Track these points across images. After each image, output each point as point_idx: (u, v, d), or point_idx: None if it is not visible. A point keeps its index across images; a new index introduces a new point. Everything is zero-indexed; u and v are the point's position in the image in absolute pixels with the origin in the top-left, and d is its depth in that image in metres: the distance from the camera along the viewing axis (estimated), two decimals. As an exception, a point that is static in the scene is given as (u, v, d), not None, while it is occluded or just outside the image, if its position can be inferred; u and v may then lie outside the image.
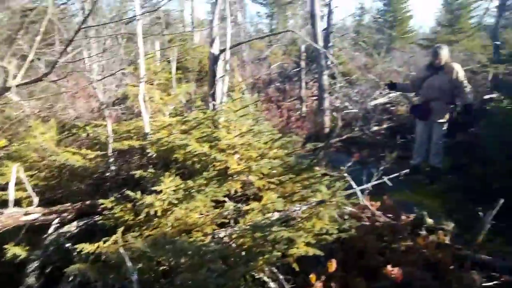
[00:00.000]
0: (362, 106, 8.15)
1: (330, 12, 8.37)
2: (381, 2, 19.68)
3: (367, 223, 2.81)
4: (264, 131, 2.36)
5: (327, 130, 7.69)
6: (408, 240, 2.69)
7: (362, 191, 3.07)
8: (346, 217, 2.99)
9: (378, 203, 3.32)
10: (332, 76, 9.36)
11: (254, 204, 2.10)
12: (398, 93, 9.45)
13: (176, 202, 1.96)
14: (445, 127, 5.20)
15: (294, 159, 2.42)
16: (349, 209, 3.05)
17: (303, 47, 8.83)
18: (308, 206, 2.11)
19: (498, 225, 3.87)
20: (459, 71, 4.93)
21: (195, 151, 2.15)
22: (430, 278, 2.16)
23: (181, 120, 2.38)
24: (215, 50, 2.99)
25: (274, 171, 2.46)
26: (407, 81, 5.70)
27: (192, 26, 14.83)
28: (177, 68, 9.92)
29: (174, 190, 1.96)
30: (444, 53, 4.97)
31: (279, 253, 1.89)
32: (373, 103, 8.87)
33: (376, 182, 2.49)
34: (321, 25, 7.48)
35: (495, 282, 2.28)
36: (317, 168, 2.51)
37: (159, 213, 1.98)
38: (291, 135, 2.40)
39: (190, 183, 2.07)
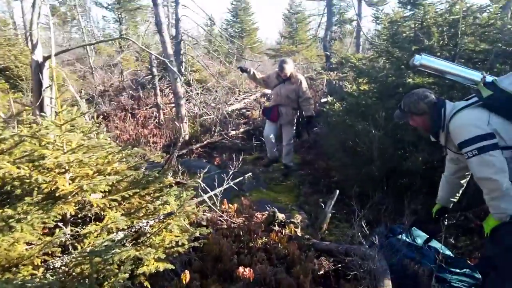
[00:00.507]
0: (219, 112, 8.35)
1: (177, 21, 8.33)
2: (230, 14, 20.77)
3: (224, 227, 2.82)
4: (99, 145, 2.11)
5: (187, 137, 7.62)
6: (264, 238, 2.79)
7: (216, 195, 3.07)
8: (204, 223, 2.96)
9: (235, 205, 3.38)
10: (188, 83, 9.36)
11: (92, 227, 1.86)
12: (252, 98, 10.08)
13: (-12, 237, 1.59)
14: (293, 129, 5.76)
15: (139, 172, 2.24)
16: (206, 215, 3.02)
17: (153, 55, 8.56)
18: (156, 220, 1.97)
19: (343, 211, 4.43)
20: (303, 84, 5.49)
21: (14, 174, 1.79)
22: (283, 271, 2.26)
23: (-7, 137, 1.96)
24: (39, 57, 2.59)
25: (119, 187, 2.24)
26: (261, 75, 5.99)
27: (25, 30, 12.93)
28: (7, 77, 8.51)
29: (-17, 224, 1.58)
30: (289, 67, 5.46)
31: (126, 275, 1.71)
32: (229, 108, 9.20)
33: (225, 187, 2.50)
34: (168, 33, 7.39)
35: (340, 265, 2.52)
36: (167, 179, 2.38)
37: (-34, 254, 1.58)
38: (130, 148, 2.21)
39: (8, 211, 1.71)
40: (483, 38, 4.50)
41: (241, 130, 8.20)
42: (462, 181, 2.86)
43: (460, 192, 2.90)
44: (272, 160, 6.18)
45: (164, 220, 2.02)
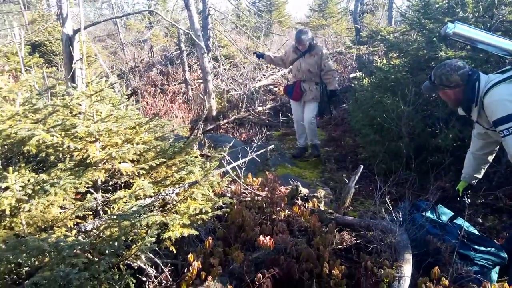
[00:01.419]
0: (247, 88, 8.35)
1: (203, -6, 8.28)
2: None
3: (248, 199, 2.88)
4: (128, 116, 2.19)
5: (214, 112, 7.71)
6: (286, 210, 2.83)
7: (240, 167, 3.13)
8: (228, 195, 3.04)
9: (260, 179, 3.43)
10: (215, 59, 9.37)
11: (121, 193, 1.96)
12: (280, 74, 9.98)
13: (26, 198, 1.71)
14: (316, 106, 5.35)
15: (165, 143, 2.32)
16: (231, 187, 3.09)
17: (181, 30, 8.60)
18: (181, 189, 2.05)
19: (369, 188, 4.40)
20: (324, 54, 5.08)
21: (48, 142, 1.89)
22: (303, 242, 2.30)
23: (29, 108, 2.07)
24: (69, 30, 2.67)
25: (147, 157, 2.33)
26: (278, 56, 5.64)
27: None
28: (42, 52, 8.81)
29: (22, 186, 1.70)
30: (307, 37, 5.02)
31: (153, 239, 1.80)
32: (257, 84, 9.18)
33: (248, 158, 2.54)
34: (196, 8, 7.37)
35: (362, 239, 2.53)
36: (192, 150, 2.45)
37: (7, 212, 1.71)
38: (159, 119, 2.28)
39: (43, 176, 1.82)
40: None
41: (268, 106, 8.19)
42: (489, 157, 2.76)
43: (486, 168, 2.81)
44: (303, 149, 5.69)
45: (189, 189, 2.09)
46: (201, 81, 8.61)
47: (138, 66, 10.28)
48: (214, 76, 8.99)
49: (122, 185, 2.27)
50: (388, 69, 4.76)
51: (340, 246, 2.48)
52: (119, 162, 2.03)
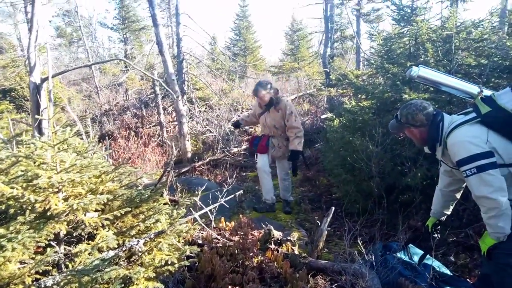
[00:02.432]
0: (222, 129, 8.42)
1: (179, 40, 8.50)
2: (233, 32, 21.15)
3: (219, 245, 2.82)
4: (92, 165, 2.15)
5: (189, 154, 7.68)
6: (259, 256, 2.78)
7: (211, 212, 3.08)
8: (200, 241, 2.97)
9: (232, 223, 3.38)
10: (191, 101, 9.48)
11: (83, 245, 1.88)
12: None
13: (-20, 256, 1.61)
14: (288, 163, 4.95)
15: (132, 191, 2.27)
16: (202, 233, 3.02)
17: (155, 74, 8.73)
18: (147, 239, 1.99)
19: (344, 229, 4.39)
20: (288, 109, 4.65)
21: (8, 194, 1.82)
22: (276, 289, 2.25)
23: (-11, 158, 2.01)
24: (36, 78, 2.66)
25: (113, 206, 2.27)
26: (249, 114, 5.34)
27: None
28: (13, 97, 8.69)
29: (-24, 243, 1.61)
30: (265, 91, 4.60)
31: (115, 295, 1.71)
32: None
33: (216, 205, 2.50)
34: (172, 52, 7.55)
35: (336, 284, 2.49)
36: (162, 197, 2.40)
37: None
38: (124, 166, 2.24)
39: (0, 230, 1.74)
40: (478, 53, 4.54)
41: (243, 147, 8.24)
42: (456, 194, 2.84)
43: (454, 204, 2.88)
44: (270, 205, 5.01)
45: (155, 239, 2.03)
46: (176, 123, 8.64)
47: (112, 109, 10.25)
48: (190, 118, 9.05)
49: (86, 236, 2.18)
50: (356, 111, 4.93)
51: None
52: (84, 213, 1.97)
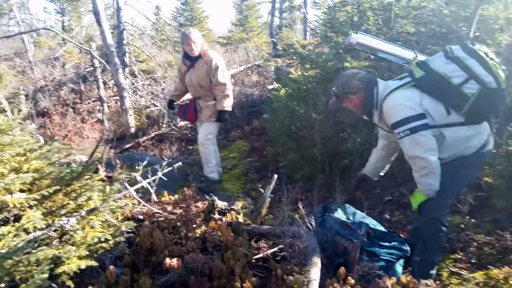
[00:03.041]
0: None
1: (118, 10, 7.99)
2: (179, 1, 20.28)
3: (161, 219, 2.77)
4: (15, 143, 1.99)
5: (133, 130, 7.41)
6: (202, 227, 2.78)
7: (151, 187, 3.01)
8: (141, 217, 2.90)
9: (176, 196, 3.34)
10: (133, 74, 9.07)
11: (6, 228, 1.76)
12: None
13: None
14: (212, 125, 4.44)
15: (62, 168, 2.14)
16: (143, 208, 2.96)
17: (94, 45, 8.21)
18: (78, 217, 1.90)
19: (289, 195, 4.50)
20: (214, 62, 4.07)
21: None
22: (218, 257, 2.26)
23: None
24: None
25: (41, 185, 2.13)
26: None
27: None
28: None
29: None
30: (195, 37, 3.99)
31: (45, 275, 1.63)
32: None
33: (153, 178, 2.44)
34: (110, 23, 7.09)
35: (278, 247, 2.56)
36: (97, 174, 2.30)
37: None
38: (52, 143, 2.10)
39: None
40: (417, 21, 4.70)
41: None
42: (391, 157, 2.99)
43: (387, 168, 3.03)
44: (214, 182, 4.55)
45: (87, 217, 1.95)
46: (118, 97, 8.25)
47: (48, 85, 9.56)
48: (133, 92, 8.68)
49: (13, 219, 2.04)
50: (300, 80, 4.97)
51: (256, 257, 2.49)
52: (10, 194, 1.83)
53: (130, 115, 7.43)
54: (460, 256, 2.89)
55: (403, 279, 1.99)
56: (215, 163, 4.52)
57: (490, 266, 2.63)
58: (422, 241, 2.65)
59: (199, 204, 3.27)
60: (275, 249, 2.43)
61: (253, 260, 2.46)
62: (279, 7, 14.19)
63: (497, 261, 2.68)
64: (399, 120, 2.31)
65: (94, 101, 8.79)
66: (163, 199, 3.27)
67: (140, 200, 2.66)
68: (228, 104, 4.27)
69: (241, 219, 3.19)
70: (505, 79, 2.33)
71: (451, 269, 2.77)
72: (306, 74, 5.37)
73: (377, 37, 4.72)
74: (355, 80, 2.56)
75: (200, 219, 2.84)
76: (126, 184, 2.65)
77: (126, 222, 2.00)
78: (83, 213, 1.91)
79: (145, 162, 3.61)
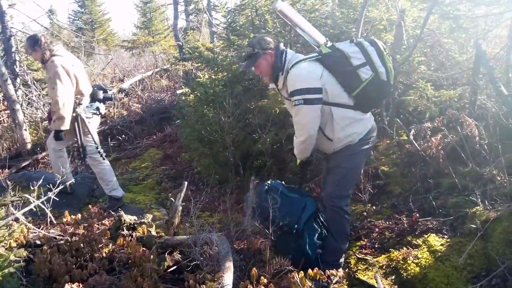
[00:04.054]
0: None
1: (2, 14, 7.14)
2: (77, 4, 18.84)
3: (61, 242, 2.54)
4: None
5: (29, 146, 6.67)
6: (110, 245, 2.61)
7: (45, 208, 2.74)
8: (38, 242, 2.62)
9: (79, 215, 3.08)
10: (26, 85, 8.18)
11: None
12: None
13: None
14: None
15: None
16: (40, 232, 2.67)
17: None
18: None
19: (206, 201, 4.43)
20: (48, 73, 3.59)
21: None
22: (128, 276, 2.13)
23: None
24: None
25: None
26: None
27: None
28: None
29: None
30: (31, 50, 3.64)
31: None
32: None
33: (42, 200, 2.20)
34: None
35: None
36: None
37: None
38: None
39: None
40: (312, 23, 4.98)
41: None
42: None
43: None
44: (118, 199, 4.09)
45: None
46: (8, 111, 7.37)
47: None
48: (27, 104, 7.83)
49: None
50: (208, 84, 4.95)
51: (169, 270, 2.41)
52: None
53: (25, 129, 6.67)
54: (364, 243, 3.10)
55: (311, 272, 2.09)
56: (115, 180, 4.13)
57: (391, 249, 2.87)
58: (329, 231, 2.82)
59: (106, 222, 3.08)
60: (186, 261, 2.39)
61: (168, 274, 2.39)
62: (184, 9, 14.00)
63: (397, 243, 2.93)
64: (298, 89, 2.48)
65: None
66: (64, 219, 3.01)
67: (31, 225, 2.39)
68: (57, 123, 3.65)
69: (153, 232, 3.07)
70: (394, 75, 2.60)
71: (357, 255, 2.97)
72: (213, 77, 5.37)
73: (278, 40, 4.94)
74: (268, 37, 2.70)
75: (106, 238, 2.66)
76: (12, 209, 2.37)
77: (16, 250, 1.78)
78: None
79: (40, 181, 3.27)
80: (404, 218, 3.17)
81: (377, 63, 2.50)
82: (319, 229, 2.85)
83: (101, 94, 4.02)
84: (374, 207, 3.51)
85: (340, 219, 2.76)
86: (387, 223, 3.23)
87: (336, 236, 2.79)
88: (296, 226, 2.68)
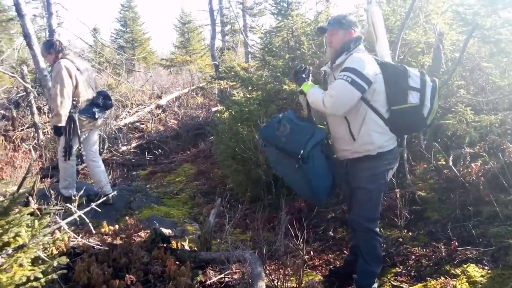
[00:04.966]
0: (108, 127, 7.88)
1: (52, 32, 7.66)
2: (119, 23, 19.88)
3: (100, 252, 2.64)
4: None
5: (70, 157, 7.00)
6: (145, 257, 2.68)
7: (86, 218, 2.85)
8: (77, 250, 2.73)
9: (116, 226, 3.20)
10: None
11: None
12: (146, 110, 9.71)
13: None
14: (62, 140, 4.17)
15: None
16: (80, 241, 2.79)
17: (25, 69, 7.76)
18: (4, 256, 1.75)
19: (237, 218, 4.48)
20: (56, 72, 3.89)
21: None
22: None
23: None
24: None
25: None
26: None
27: None
28: None
29: None
30: (46, 53, 4.09)
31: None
32: (121, 122, 8.75)
33: (85, 210, 2.29)
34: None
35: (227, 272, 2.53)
36: (26, 207, 2.14)
37: None
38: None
39: None
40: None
41: (134, 144, 7.85)
42: None
43: None
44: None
45: (15, 254, 1.80)
46: (54, 123, 7.79)
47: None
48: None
49: None
50: (242, 102, 5.06)
51: (204, 284, 2.45)
52: None
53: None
54: (400, 270, 3.01)
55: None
56: (63, 186, 4.37)
57: (428, 278, 2.78)
58: (361, 255, 2.77)
59: (142, 234, 3.17)
60: (221, 276, 2.42)
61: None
62: (221, 30, 14.43)
63: (434, 272, 2.83)
64: (352, 68, 2.45)
65: (28, 127, 8.22)
66: (102, 230, 3.13)
67: (73, 234, 2.51)
68: (56, 119, 3.94)
69: (187, 246, 3.14)
70: (433, 117, 2.59)
71: (392, 283, 2.88)
72: (248, 96, 5.48)
73: (313, 61, 4.99)
74: (351, 16, 2.78)
75: (142, 249, 2.74)
76: (57, 217, 2.50)
77: (58, 258, 1.88)
78: (10, 251, 1.77)
79: (81, 192, 3.43)
80: (442, 246, 3.08)
81: (427, 96, 2.50)
82: (325, 160, 2.71)
83: (101, 101, 4.26)
84: (410, 233, 3.41)
85: (371, 241, 2.70)
86: (424, 250, 3.14)
87: (368, 259, 2.72)
88: (302, 151, 2.58)
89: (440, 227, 3.34)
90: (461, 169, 3.58)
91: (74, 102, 4.02)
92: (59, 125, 3.96)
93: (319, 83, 3.12)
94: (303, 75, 2.77)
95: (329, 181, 2.72)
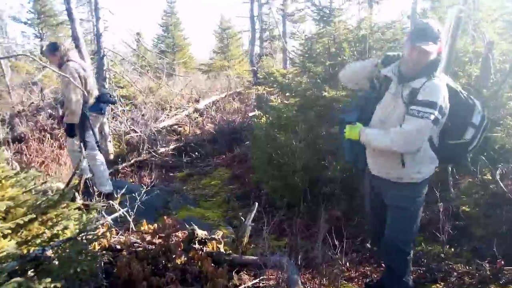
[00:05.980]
0: (148, 129, 8.11)
1: (99, 36, 8.01)
2: (161, 29, 20.54)
3: (140, 249, 2.70)
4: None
5: (111, 156, 7.27)
6: (182, 257, 2.72)
7: (129, 215, 2.94)
8: (118, 247, 2.82)
9: (155, 225, 3.27)
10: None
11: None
12: (184, 114, 9.93)
13: None
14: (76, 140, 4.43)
15: (37, 196, 2.08)
16: (120, 238, 2.88)
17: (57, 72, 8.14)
18: (54, 247, 1.84)
19: (272, 223, 4.46)
20: (66, 81, 4.07)
21: None
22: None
23: None
24: None
25: (16, 213, 2.06)
26: None
27: None
28: None
29: None
30: (49, 54, 4.31)
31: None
32: (160, 125, 8.99)
33: (134, 205, 2.37)
34: (90, 48, 7.08)
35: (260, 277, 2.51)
36: (74, 202, 2.24)
37: None
38: (29, 170, 2.05)
39: None
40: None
41: (172, 146, 8.02)
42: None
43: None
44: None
45: (64, 246, 1.88)
46: (98, 124, 8.12)
47: (25, 110, 9.36)
48: (112, 118, 8.59)
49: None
50: (281, 108, 5.06)
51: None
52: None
53: (110, 141, 7.31)
54: (441, 286, 2.90)
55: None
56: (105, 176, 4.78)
57: (470, 297, 2.64)
58: (391, 271, 2.63)
59: (179, 234, 3.21)
60: (256, 280, 2.41)
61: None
62: (260, 36, 14.55)
63: (477, 291, 2.68)
64: (435, 102, 2.17)
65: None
66: (142, 228, 3.20)
67: (118, 230, 2.59)
68: (71, 117, 4.24)
69: (222, 248, 3.15)
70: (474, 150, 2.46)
71: (433, 300, 2.77)
72: (286, 102, 5.46)
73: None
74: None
75: (180, 249, 2.78)
76: (104, 213, 2.59)
77: (104, 252, 1.95)
78: (60, 242, 1.85)
79: (123, 190, 3.55)
80: (487, 264, 2.93)
81: (478, 137, 2.36)
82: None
83: (106, 97, 4.64)
84: (452, 249, 3.26)
85: (403, 263, 2.56)
86: (467, 267, 3.00)
87: (402, 274, 2.58)
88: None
89: (485, 244, 3.19)
90: (509, 184, 3.40)
91: (84, 100, 4.31)
92: (74, 122, 4.26)
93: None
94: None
95: (350, 158, 2.64)
